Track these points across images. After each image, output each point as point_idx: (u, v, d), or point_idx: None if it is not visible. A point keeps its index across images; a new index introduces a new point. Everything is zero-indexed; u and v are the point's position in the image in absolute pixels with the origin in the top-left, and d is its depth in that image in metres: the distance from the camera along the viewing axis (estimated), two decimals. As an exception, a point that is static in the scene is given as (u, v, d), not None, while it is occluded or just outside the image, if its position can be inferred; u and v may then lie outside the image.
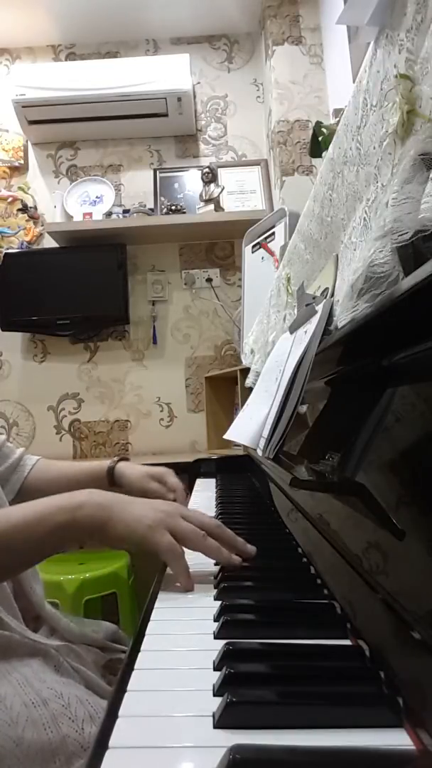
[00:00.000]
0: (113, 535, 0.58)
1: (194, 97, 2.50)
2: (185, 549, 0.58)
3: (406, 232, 0.47)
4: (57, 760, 0.57)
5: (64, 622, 0.81)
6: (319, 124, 1.47)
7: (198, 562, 0.62)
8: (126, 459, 1.04)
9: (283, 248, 1.45)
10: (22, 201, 2.47)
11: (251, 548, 0.61)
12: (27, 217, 2.49)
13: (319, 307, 0.76)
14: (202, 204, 2.33)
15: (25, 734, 0.57)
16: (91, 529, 0.59)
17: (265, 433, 0.88)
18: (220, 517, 0.91)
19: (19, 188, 2.51)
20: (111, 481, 1.01)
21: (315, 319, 0.76)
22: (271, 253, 1.85)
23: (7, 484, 0.97)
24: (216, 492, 1.19)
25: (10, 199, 2.50)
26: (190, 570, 0.58)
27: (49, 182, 2.53)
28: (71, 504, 0.59)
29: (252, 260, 1.99)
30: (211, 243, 2.48)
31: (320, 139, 1.41)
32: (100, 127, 2.42)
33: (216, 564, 0.61)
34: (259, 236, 1.95)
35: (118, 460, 1.03)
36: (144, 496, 1.00)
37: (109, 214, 2.36)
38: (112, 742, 0.30)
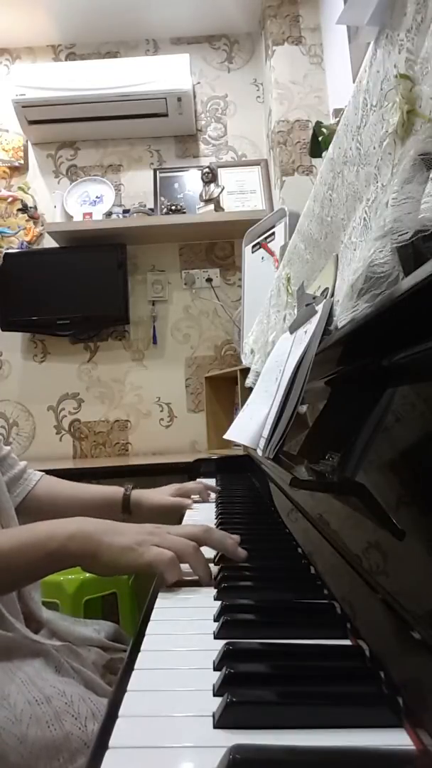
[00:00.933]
0: (102, 564, 0.59)
1: (194, 97, 2.50)
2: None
3: (406, 232, 0.47)
4: (61, 757, 0.58)
5: (64, 625, 0.81)
6: (319, 124, 1.47)
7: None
8: (136, 487, 1.04)
9: (283, 248, 1.45)
10: (22, 201, 2.47)
11: (242, 552, 0.61)
12: (27, 217, 2.49)
13: (319, 307, 0.76)
14: (202, 204, 2.33)
15: (29, 731, 0.57)
16: (80, 560, 0.60)
17: (265, 433, 0.88)
18: (220, 517, 0.91)
19: (19, 188, 2.51)
20: (125, 508, 1.01)
21: (315, 319, 0.76)
22: (271, 253, 1.85)
23: (10, 495, 0.97)
24: (216, 492, 1.19)
25: (10, 199, 2.50)
26: (190, 570, 0.58)
27: (49, 182, 2.53)
28: (63, 533, 0.60)
29: (252, 260, 1.99)
30: (211, 243, 2.48)
31: (320, 139, 1.41)
32: (100, 127, 2.42)
33: (215, 565, 0.62)
34: (259, 236, 1.95)
35: (132, 487, 1.03)
36: (162, 513, 1.01)
37: (109, 214, 2.36)
38: (112, 742, 0.30)
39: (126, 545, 0.58)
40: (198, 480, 1.13)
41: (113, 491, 1.02)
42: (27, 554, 0.60)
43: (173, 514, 1.01)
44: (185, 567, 0.58)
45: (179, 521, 0.94)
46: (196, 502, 1.08)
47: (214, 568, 0.60)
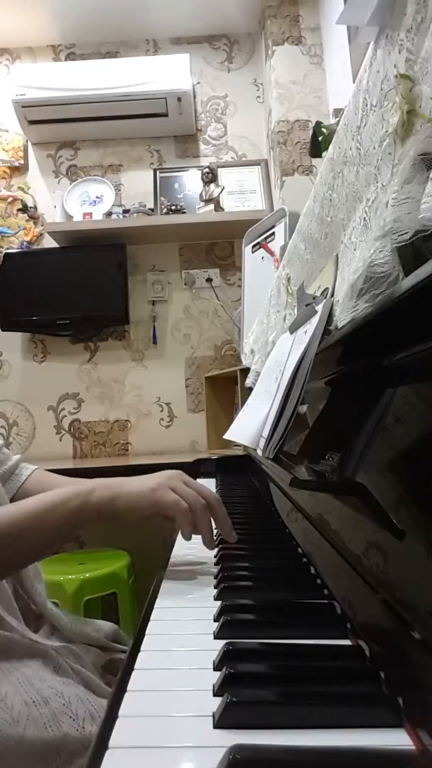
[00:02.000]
0: (122, 507, 0.64)
1: (194, 97, 2.50)
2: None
3: (406, 232, 0.47)
4: (58, 758, 0.57)
5: (66, 621, 0.81)
6: (319, 124, 1.47)
7: (198, 562, 0.62)
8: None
9: (283, 248, 1.45)
10: (22, 201, 2.47)
11: (234, 536, 0.67)
12: (27, 217, 2.49)
13: (319, 307, 0.76)
14: (202, 204, 2.33)
15: (27, 733, 0.57)
16: (101, 507, 0.64)
17: (265, 433, 0.88)
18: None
19: (19, 188, 2.51)
20: None
21: (315, 319, 0.76)
22: (271, 253, 1.85)
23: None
24: (216, 492, 1.19)
25: (10, 199, 2.50)
26: (190, 568, 0.58)
27: (49, 182, 2.53)
28: (83, 490, 0.65)
29: (252, 260, 1.99)
30: (211, 243, 2.48)
31: (320, 139, 1.41)
32: (100, 127, 2.42)
33: (216, 565, 0.62)
34: (259, 236, 1.95)
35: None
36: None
37: (109, 214, 2.36)
38: (112, 742, 0.30)
39: (144, 487, 0.64)
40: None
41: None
42: (51, 514, 0.63)
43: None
44: (185, 569, 0.58)
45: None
46: None
47: (213, 568, 0.60)
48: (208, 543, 0.65)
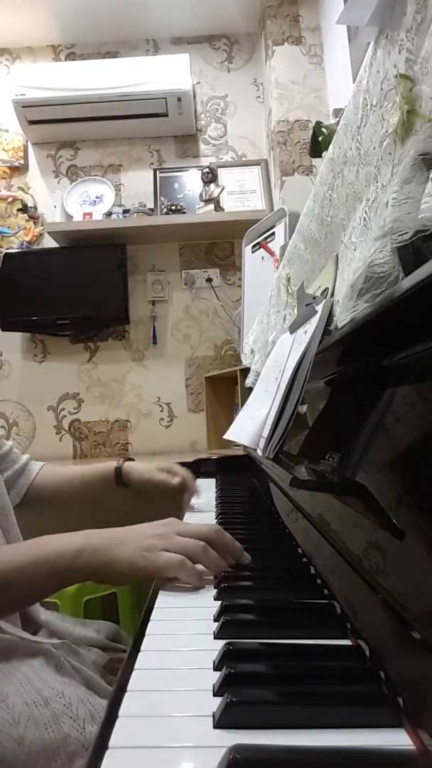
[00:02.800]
0: (116, 575, 0.58)
1: (194, 97, 2.49)
2: None
3: (406, 232, 0.47)
4: (58, 759, 0.57)
5: (63, 626, 0.81)
6: (319, 124, 1.47)
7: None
8: (131, 459, 1.08)
9: (283, 248, 1.45)
10: (22, 201, 2.47)
11: (247, 557, 0.61)
12: (27, 217, 2.49)
13: (319, 307, 0.76)
14: (202, 204, 2.33)
15: (27, 733, 0.57)
16: (90, 575, 0.60)
17: (265, 433, 0.88)
18: (220, 517, 0.91)
19: (19, 188, 2.51)
20: (118, 480, 1.05)
21: (315, 319, 0.76)
22: (271, 253, 1.85)
23: (13, 489, 0.99)
24: (216, 492, 1.19)
25: (10, 199, 2.50)
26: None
27: (49, 182, 2.53)
28: (70, 550, 0.59)
29: (252, 260, 1.99)
30: (211, 243, 2.48)
31: (320, 139, 1.41)
32: (100, 127, 2.42)
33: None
34: (259, 236, 1.95)
35: (125, 460, 1.07)
36: (149, 487, 1.04)
37: (109, 214, 2.36)
38: (112, 742, 0.30)
39: (135, 554, 0.57)
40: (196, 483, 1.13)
41: (105, 468, 1.07)
42: (34, 572, 0.59)
43: (158, 489, 1.06)
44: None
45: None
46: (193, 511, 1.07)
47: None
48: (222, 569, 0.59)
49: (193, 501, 1.08)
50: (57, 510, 1.08)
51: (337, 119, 1.03)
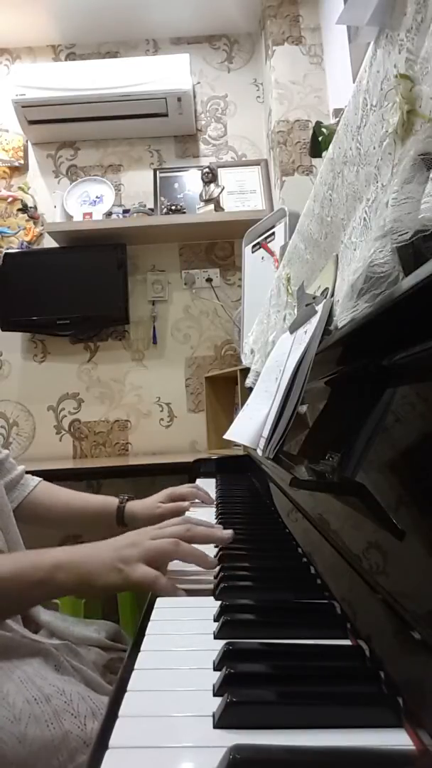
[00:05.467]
0: (99, 589, 0.60)
1: (194, 97, 2.49)
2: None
3: (406, 232, 0.47)
4: (60, 756, 0.58)
5: (63, 626, 0.81)
6: (319, 124, 1.47)
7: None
8: (132, 498, 1.03)
9: (283, 248, 1.45)
10: (22, 201, 2.47)
11: (228, 534, 0.64)
12: (27, 217, 2.49)
13: (319, 307, 0.76)
14: (202, 204, 2.33)
15: (28, 731, 0.57)
16: (75, 589, 0.61)
17: (265, 433, 0.88)
18: (220, 517, 0.91)
19: (19, 188, 2.51)
20: (120, 520, 1.01)
21: (315, 319, 0.76)
22: (271, 253, 1.85)
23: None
24: (216, 492, 1.19)
25: (10, 199, 2.50)
26: (191, 568, 0.58)
27: (49, 182, 2.53)
28: (48, 564, 0.60)
29: (252, 260, 1.99)
30: (211, 243, 2.48)
31: (320, 139, 1.41)
32: (100, 127, 2.42)
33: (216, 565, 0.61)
34: (259, 236, 1.95)
35: (127, 499, 1.02)
36: (157, 522, 1.01)
37: (109, 214, 2.36)
38: (112, 741, 0.30)
39: (111, 567, 0.59)
40: (194, 484, 1.11)
41: (108, 503, 1.01)
42: (17, 583, 0.60)
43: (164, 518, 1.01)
44: (185, 569, 0.58)
45: None
46: (194, 504, 1.06)
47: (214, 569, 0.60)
48: (206, 566, 0.60)
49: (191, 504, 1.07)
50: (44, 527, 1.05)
51: (337, 119, 1.03)
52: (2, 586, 0.60)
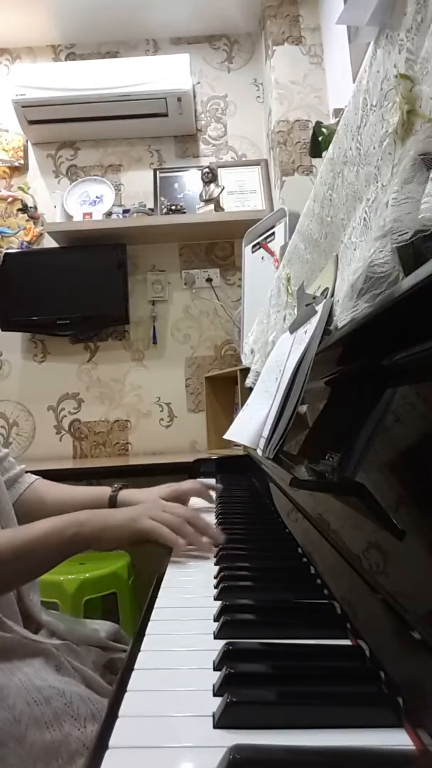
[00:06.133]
0: (108, 539, 0.71)
1: (194, 97, 2.49)
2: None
3: (406, 232, 0.47)
4: (60, 758, 0.57)
5: (63, 627, 0.81)
6: (319, 124, 1.47)
7: (197, 563, 0.62)
8: (126, 487, 1.01)
9: (283, 248, 1.45)
10: (22, 201, 2.47)
11: (222, 537, 0.71)
12: (27, 217, 2.49)
13: (319, 307, 0.76)
14: (202, 204, 2.33)
15: (28, 733, 0.57)
16: (91, 539, 0.71)
17: (265, 433, 0.88)
18: (220, 517, 0.91)
19: (19, 188, 2.51)
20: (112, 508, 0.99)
21: (315, 319, 0.76)
22: (271, 253, 1.85)
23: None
24: (216, 492, 1.19)
25: (10, 199, 2.50)
26: (190, 568, 0.58)
27: (49, 182, 2.53)
28: (77, 521, 0.72)
29: (252, 260, 1.99)
30: (211, 243, 2.48)
31: (320, 139, 1.41)
32: (100, 127, 2.42)
33: (216, 565, 0.61)
34: (259, 236, 1.95)
35: (120, 488, 1.00)
36: None
37: (109, 214, 2.36)
38: (112, 742, 0.30)
39: (126, 518, 0.72)
40: (196, 480, 1.10)
41: (100, 492, 1.00)
42: (50, 539, 0.70)
43: None
44: (185, 569, 0.58)
45: None
46: (199, 508, 1.05)
47: (214, 568, 0.60)
48: (203, 548, 0.69)
49: (193, 501, 1.07)
50: None
51: (337, 119, 1.03)
52: (44, 543, 0.69)
